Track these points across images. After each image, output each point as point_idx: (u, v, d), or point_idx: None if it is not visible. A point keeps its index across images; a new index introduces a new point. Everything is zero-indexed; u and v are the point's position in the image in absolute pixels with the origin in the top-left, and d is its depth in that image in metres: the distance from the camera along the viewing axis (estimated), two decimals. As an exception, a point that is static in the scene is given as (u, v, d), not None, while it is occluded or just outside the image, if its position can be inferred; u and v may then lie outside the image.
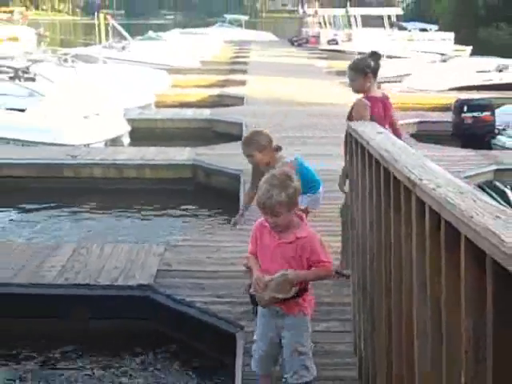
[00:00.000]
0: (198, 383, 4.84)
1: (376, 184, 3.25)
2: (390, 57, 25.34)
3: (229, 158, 9.78)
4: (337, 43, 32.58)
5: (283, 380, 3.56)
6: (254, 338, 3.68)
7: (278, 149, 4.71)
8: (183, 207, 9.26)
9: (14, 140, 11.27)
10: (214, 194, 9.25)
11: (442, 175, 2.59)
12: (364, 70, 5.05)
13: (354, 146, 3.81)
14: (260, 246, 3.43)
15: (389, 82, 19.30)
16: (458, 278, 2.12)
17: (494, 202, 2.25)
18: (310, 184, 4.82)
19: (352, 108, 5.12)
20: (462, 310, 2.12)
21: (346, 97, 16.71)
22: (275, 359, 3.56)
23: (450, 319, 2.26)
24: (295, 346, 3.42)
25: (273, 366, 3.61)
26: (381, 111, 5.03)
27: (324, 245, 3.42)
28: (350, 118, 5.00)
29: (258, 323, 3.57)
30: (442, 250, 2.27)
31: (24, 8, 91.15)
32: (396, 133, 4.79)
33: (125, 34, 28.37)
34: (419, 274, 2.57)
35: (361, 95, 5.13)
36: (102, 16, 31.91)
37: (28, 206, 9.28)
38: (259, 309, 3.52)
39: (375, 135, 3.49)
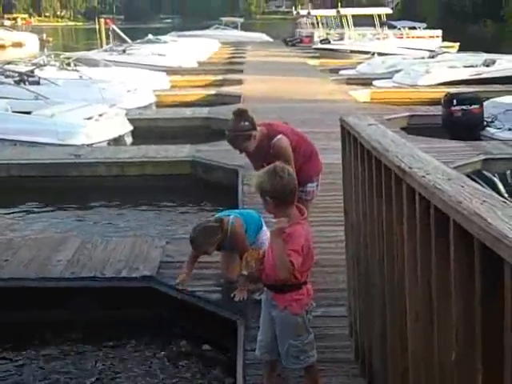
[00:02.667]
0: (201, 370, 4.89)
1: (368, 173, 3.31)
2: (380, 54, 25.78)
3: (227, 154, 9.91)
4: (329, 42, 32.92)
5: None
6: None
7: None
8: (184, 202, 9.43)
9: (20, 142, 11.44)
10: (212, 189, 9.38)
11: (431, 163, 2.62)
12: (246, 135, 4.87)
13: (347, 138, 3.82)
14: None
15: (379, 78, 19.74)
16: (448, 261, 2.17)
17: (482, 189, 2.27)
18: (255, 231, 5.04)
19: (274, 150, 4.91)
20: (452, 291, 2.16)
21: (338, 93, 17.21)
22: (275, 346, 3.54)
23: (440, 300, 2.31)
24: (283, 340, 3.47)
25: (275, 353, 3.57)
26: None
27: (300, 251, 3.28)
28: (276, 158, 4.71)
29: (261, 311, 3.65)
30: (432, 234, 2.32)
31: (27, 15, 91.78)
32: None
33: (125, 37, 28.81)
34: (410, 258, 2.62)
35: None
36: (102, 21, 32.32)
37: (35, 204, 9.44)
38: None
39: (366, 127, 3.54)
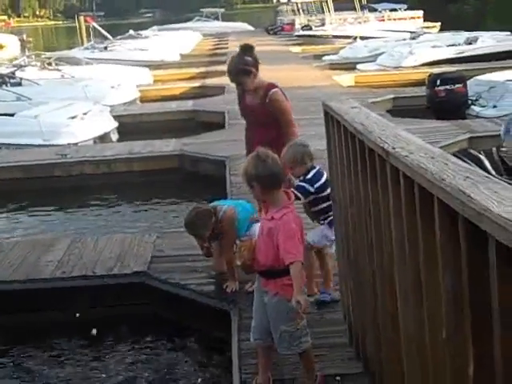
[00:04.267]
0: (196, 361, 4.93)
1: (353, 156, 3.30)
2: (362, 38, 25.77)
3: (213, 145, 10.05)
4: (311, 29, 32.87)
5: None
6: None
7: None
8: (173, 196, 9.42)
9: (5, 144, 11.42)
10: (201, 181, 9.39)
11: (414, 142, 2.61)
12: (245, 69, 4.88)
13: (331, 123, 3.80)
14: None
15: (363, 62, 19.73)
16: (434, 238, 2.17)
17: (465, 165, 2.24)
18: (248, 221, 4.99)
19: (270, 101, 4.94)
20: (439, 268, 2.16)
21: (322, 79, 17.18)
22: (268, 332, 3.55)
23: (428, 278, 2.31)
24: (276, 326, 3.48)
25: (269, 338, 3.57)
26: None
27: (296, 233, 3.33)
28: (272, 111, 4.87)
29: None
30: (417, 213, 2.32)
31: (6, 16, 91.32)
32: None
33: (106, 34, 28.69)
34: (398, 238, 2.62)
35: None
36: (81, 19, 32.14)
37: (23, 206, 9.45)
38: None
39: (349, 110, 3.52)
